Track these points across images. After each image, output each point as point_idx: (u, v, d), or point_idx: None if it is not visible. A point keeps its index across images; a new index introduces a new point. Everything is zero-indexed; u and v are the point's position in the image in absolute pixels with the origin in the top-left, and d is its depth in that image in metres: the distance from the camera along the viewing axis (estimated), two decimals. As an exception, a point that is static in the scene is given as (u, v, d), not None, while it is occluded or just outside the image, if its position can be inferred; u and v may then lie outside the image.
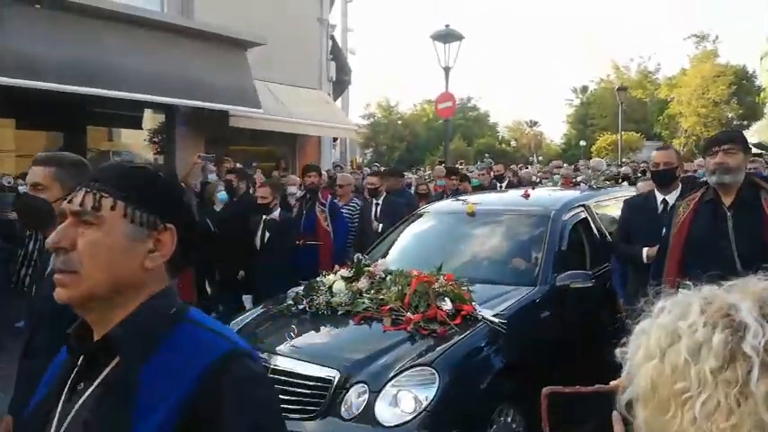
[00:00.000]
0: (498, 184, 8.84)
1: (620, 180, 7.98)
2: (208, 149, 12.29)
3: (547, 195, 5.38)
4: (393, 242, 4.91)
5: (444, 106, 10.82)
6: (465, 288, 3.53)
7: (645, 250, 3.69)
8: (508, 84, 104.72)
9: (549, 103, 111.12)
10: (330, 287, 3.72)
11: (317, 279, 3.93)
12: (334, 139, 17.44)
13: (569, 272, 3.86)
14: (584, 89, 46.85)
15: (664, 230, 3.53)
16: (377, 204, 6.50)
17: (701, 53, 35.72)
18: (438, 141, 38.43)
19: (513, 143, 47.60)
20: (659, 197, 3.87)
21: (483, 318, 3.26)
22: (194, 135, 11.46)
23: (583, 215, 4.62)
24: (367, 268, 3.89)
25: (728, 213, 2.85)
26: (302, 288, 3.89)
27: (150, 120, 11.63)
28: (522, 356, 3.36)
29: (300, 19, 13.74)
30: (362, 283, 3.69)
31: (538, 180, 10.38)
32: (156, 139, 11.82)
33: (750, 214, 2.80)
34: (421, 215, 5.19)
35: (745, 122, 35.60)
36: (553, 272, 3.90)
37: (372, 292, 3.59)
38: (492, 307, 3.45)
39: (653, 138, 37.34)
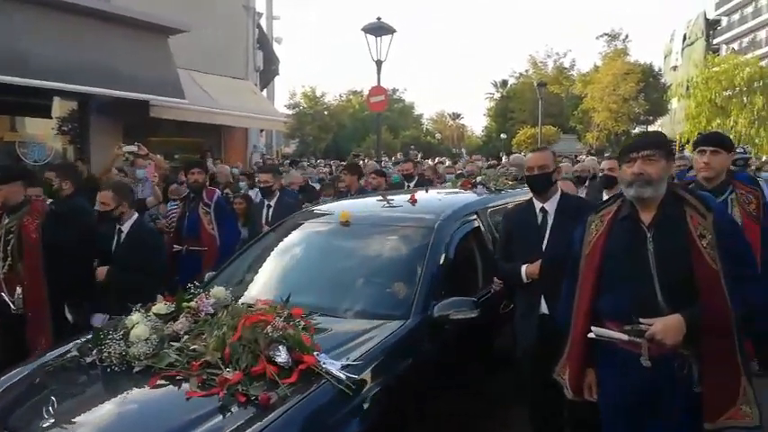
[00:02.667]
0: (407, 184, 7.57)
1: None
2: (126, 140, 11.65)
3: (437, 200, 4.50)
4: (248, 261, 3.94)
5: (376, 100, 10.75)
6: (314, 326, 2.74)
7: (523, 269, 3.26)
8: (432, 76, 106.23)
9: (471, 97, 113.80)
10: (128, 333, 2.70)
11: (120, 318, 2.93)
12: (261, 130, 17.01)
13: (449, 299, 3.05)
14: (504, 83, 48.26)
15: (544, 245, 3.24)
16: (269, 206, 5.45)
17: (612, 51, 37.69)
18: (364, 132, 38.46)
19: (437, 135, 48.32)
20: (537, 206, 3.39)
21: (327, 373, 2.37)
22: (111, 125, 10.76)
23: (476, 224, 3.87)
24: (186, 304, 2.90)
25: (648, 234, 2.33)
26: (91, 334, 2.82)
27: (61, 108, 10.81)
28: (381, 424, 2.48)
29: (226, 6, 13.23)
30: (180, 323, 2.76)
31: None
32: (66, 129, 11.02)
33: (674, 235, 2.29)
34: (289, 224, 4.20)
35: (651, 118, 38.00)
36: (432, 299, 3.07)
37: (190, 337, 2.67)
38: (345, 354, 2.58)
39: (569, 131, 39.11)
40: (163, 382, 2.43)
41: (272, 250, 3.96)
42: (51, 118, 10.67)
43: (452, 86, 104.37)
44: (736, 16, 46.23)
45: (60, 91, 9.51)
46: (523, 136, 35.84)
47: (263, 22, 17.87)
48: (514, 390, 3.57)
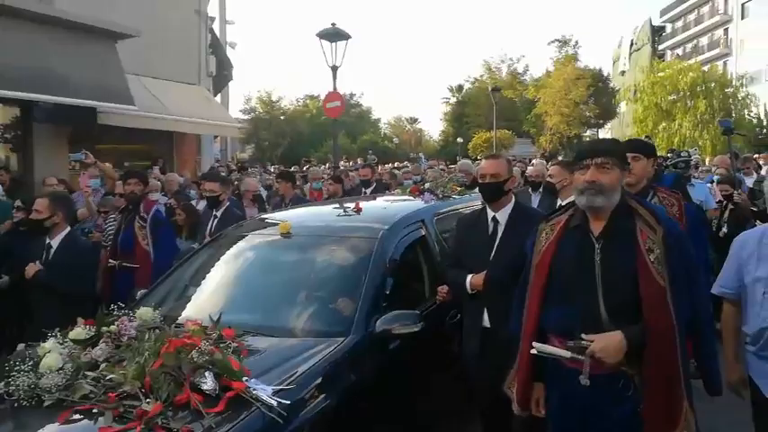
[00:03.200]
0: (364, 190, 7.40)
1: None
2: (72, 148, 11.26)
3: (382, 209, 4.43)
4: (183, 277, 3.72)
5: (332, 105, 10.71)
6: (247, 347, 2.57)
7: (468, 278, 3.15)
8: (389, 80, 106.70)
9: (427, 101, 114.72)
10: (38, 362, 2.44)
11: (32, 345, 2.69)
12: (215, 136, 16.73)
13: (392, 313, 2.92)
14: (460, 88, 48.86)
15: (492, 254, 3.14)
16: (215, 217, 5.20)
17: (563, 57, 38.68)
18: (322, 137, 38.26)
19: (395, 140, 48.51)
20: (489, 214, 3.28)
21: (257, 399, 2.21)
22: (56, 132, 10.39)
23: (422, 233, 3.76)
24: (106, 327, 2.63)
25: (597, 245, 2.24)
26: None
27: (1, 115, 10.38)
28: None
29: (177, 10, 12.98)
30: (99, 350, 2.50)
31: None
32: (8, 137, 10.59)
33: (623, 247, 2.20)
34: (227, 237, 4.02)
35: (601, 121, 39.15)
36: (375, 314, 2.94)
37: (110, 365, 2.43)
38: (278, 376, 2.41)
39: (523, 135, 39.88)
40: (76, 416, 2.18)
41: (208, 265, 3.75)
42: (-10, 125, 10.24)
43: (409, 91, 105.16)
44: (679, 23, 48.06)
45: (0, 98, 9.13)
46: (479, 140, 36.32)
47: (216, 27, 17.59)
48: (466, 403, 3.49)
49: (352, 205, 4.08)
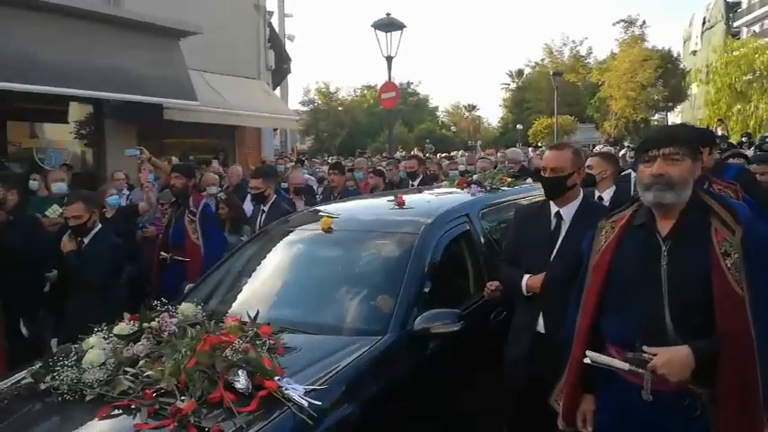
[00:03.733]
0: (411, 182, 7.17)
1: (533, 175, 6.53)
2: (141, 143, 11.79)
3: (425, 202, 4.24)
4: (227, 273, 3.73)
5: (387, 96, 10.77)
6: (283, 345, 2.55)
7: (525, 279, 2.91)
8: (447, 68, 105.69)
9: (486, 87, 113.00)
10: (81, 357, 2.49)
11: (74, 345, 2.67)
12: (275, 129, 17.09)
13: (431, 312, 2.83)
14: (520, 73, 47.85)
15: (554, 254, 2.87)
16: (263, 212, 5.28)
17: (629, 38, 37.12)
18: (379, 127, 38.40)
19: (452, 128, 48.10)
20: (552, 209, 3.00)
21: (288, 399, 2.18)
22: (126, 128, 10.92)
23: (466, 227, 3.60)
24: (147, 323, 2.63)
25: (663, 246, 2.00)
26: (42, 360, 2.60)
27: (77, 113, 10.99)
28: None
29: (236, 6, 13.29)
30: (141, 346, 2.52)
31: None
32: (83, 133, 11.22)
33: (694, 249, 1.95)
34: (270, 232, 4.01)
35: (671, 104, 37.40)
36: (414, 312, 2.86)
37: (149, 361, 2.44)
38: (312, 375, 2.37)
39: (585, 120, 38.69)
40: (115, 412, 2.21)
41: (251, 260, 3.77)
42: (68, 123, 10.87)
43: (467, 78, 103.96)
44: (756, -2, 45.15)
45: (75, 97, 9.67)
46: (540, 126, 35.51)
47: (274, 21, 17.92)
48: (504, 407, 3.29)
49: (395, 199, 3.96)
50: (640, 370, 1.90)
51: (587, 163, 4.03)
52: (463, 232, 3.59)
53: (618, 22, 38.43)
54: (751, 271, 1.86)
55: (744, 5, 46.91)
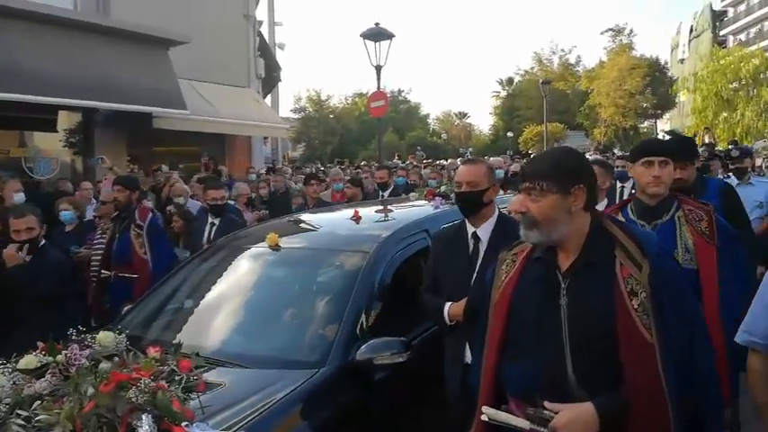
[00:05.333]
0: (381, 193, 6.76)
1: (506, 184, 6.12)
2: (130, 151, 11.83)
3: (383, 217, 3.93)
4: (161, 295, 3.40)
5: (377, 105, 10.82)
6: (205, 381, 2.15)
7: (446, 307, 2.71)
8: (438, 75, 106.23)
9: (477, 95, 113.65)
10: None
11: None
12: (265, 137, 17.13)
13: (374, 341, 2.54)
14: (510, 81, 48.18)
15: (474, 278, 2.64)
16: (212, 224, 4.91)
17: (617, 46, 37.59)
18: (371, 134, 38.53)
19: (443, 135, 48.29)
20: (470, 230, 2.83)
21: None
22: (115, 137, 10.96)
23: (425, 244, 3.24)
24: (50, 358, 2.21)
25: (563, 284, 1.72)
26: None
27: (66, 121, 11.01)
28: None
29: (226, 15, 13.37)
30: (44, 382, 2.14)
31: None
32: (72, 141, 11.23)
33: (597, 288, 1.69)
34: (215, 249, 3.68)
35: (659, 112, 37.81)
36: (356, 341, 2.57)
37: (50, 401, 2.07)
38: (232, 417, 2.13)
39: (575, 128, 39.01)
40: None
41: (187, 281, 3.43)
42: (57, 131, 10.87)
43: (458, 86, 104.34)
44: (742, 7, 45.79)
45: (64, 105, 9.69)
46: (530, 134, 35.77)
47: (264, 30, 18.01)
48: None
49: (351, 213, 3.72)
50: (542, 429, 1.64)
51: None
52: (421, 249, 3.24)
53: (606, 31, 39.13)
54: (659, 313, 1.63)
55: (730, 14, 47.59)
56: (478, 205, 2.79)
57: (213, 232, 4.85)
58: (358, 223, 3.59)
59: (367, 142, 39.35)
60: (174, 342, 2.33)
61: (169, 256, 4.87)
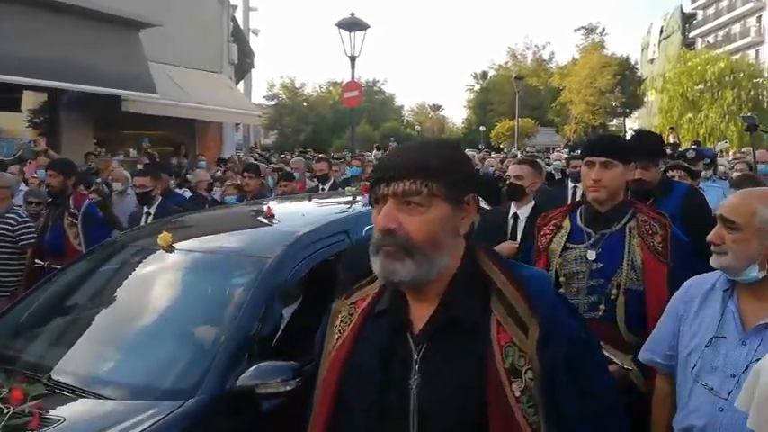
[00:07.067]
0: (321, 187, 6.29)
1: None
2: (97, 134, 11.62)
3: (301, 215, 3.40)
4: (32, 303, 2.89)
5: (350, 95, 10.84)
6: (44, 414, 1.91)
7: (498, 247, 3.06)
8: (413, 67, 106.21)
9: (452, 88, 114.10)
10: None
11: None
12: (237, 124, 16.97)
13: (258, 366, 2.13)
14: (484, 75, 48.42)
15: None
16: (148, 214, 4.75)
17: (589, 44, 38.10)
18: (345, 124, 38.32)
19: (417, 127, 48.39)
20: (511, 211, 3.58)
21: None
22: (82, 119, 10.77)
23: (343, 248, 2.77)
24: None
25: (415, 354, 1.18)
26: None
27: (30, 101, 10.77)
28: None
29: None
30: None
31: None
32: (37, 121, 10.99)
33: (462, 361, 1.14)
34: (101, 247, 3.22)
35: (628, 110, 38.53)
36: (242, 365, 2.16)
37: None
38: None
39: (546, 124, 39.49)
40: None
41: (62, 286, 2.96)
42: (21, 111, 10.61)
43: (433, 78, 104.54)
44: (711, 10, 46.81)
45: (29, 86, 9.46)
46: (502, 128, 36.08)
47: (238, 15, 17.78)
48: None
49: (264, 209, 3.23)
50: None
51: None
52: (336, 254, 2.76)
53: (579, 29, 39.54)
54: (553, 405, 1.11)
55: (699, 17, 48.63)
56: (522, 194, 3.50)
57: (149, 222, 4.63)
58: (269, 222, 3.09)
59: (341, 131, 39.19)
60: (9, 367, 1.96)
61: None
